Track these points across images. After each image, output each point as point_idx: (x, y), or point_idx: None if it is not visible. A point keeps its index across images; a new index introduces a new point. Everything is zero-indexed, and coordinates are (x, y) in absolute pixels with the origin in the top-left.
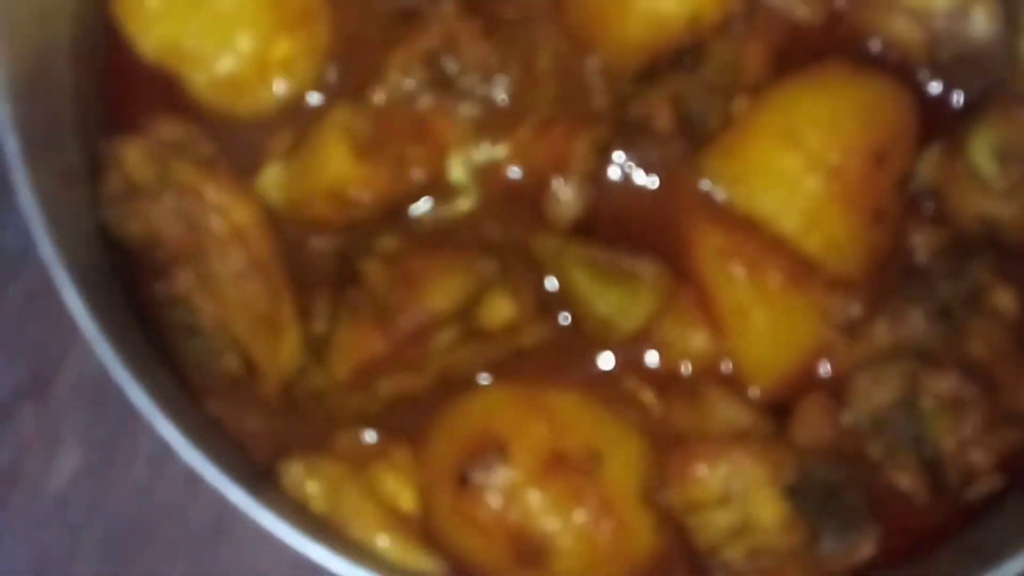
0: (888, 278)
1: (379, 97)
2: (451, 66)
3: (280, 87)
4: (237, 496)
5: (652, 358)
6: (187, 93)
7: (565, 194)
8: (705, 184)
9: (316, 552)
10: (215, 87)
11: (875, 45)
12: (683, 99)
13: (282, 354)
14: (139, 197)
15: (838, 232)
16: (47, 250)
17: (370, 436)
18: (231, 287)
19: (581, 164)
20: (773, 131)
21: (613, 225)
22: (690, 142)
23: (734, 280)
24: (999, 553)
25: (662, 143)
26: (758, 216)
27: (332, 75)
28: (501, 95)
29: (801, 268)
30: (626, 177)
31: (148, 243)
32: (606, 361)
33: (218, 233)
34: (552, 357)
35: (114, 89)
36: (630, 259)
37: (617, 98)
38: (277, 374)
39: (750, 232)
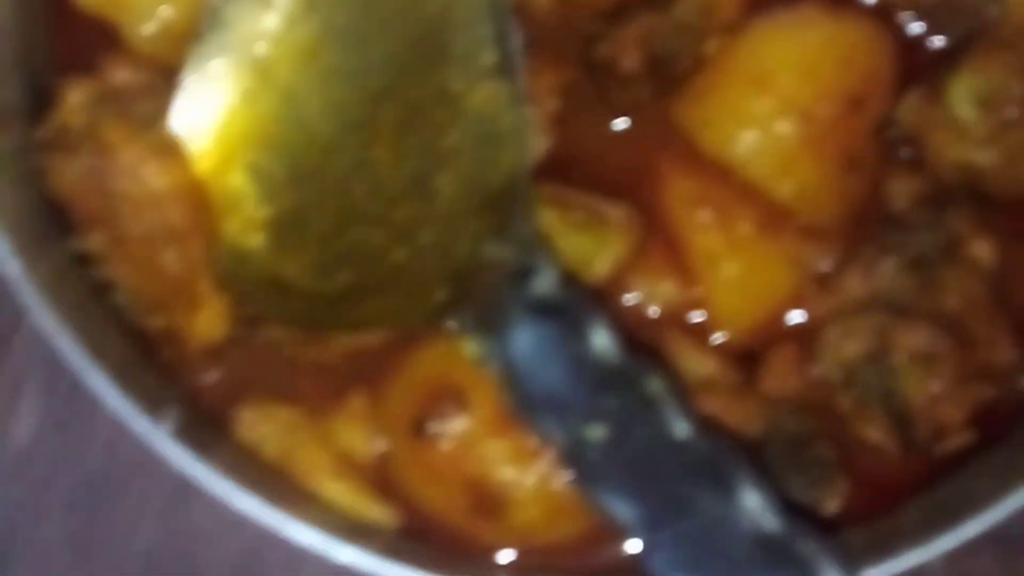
0: (864, 228)
1: None
2: None
3: None
4: (172, 450)
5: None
6: (127, 44)
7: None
8: (675, 129)
9: (250, 504)
10: (154, 38)
11: None
12: (652, 40)
13: (200, 326)
14: (61, 149)
15: (811, 179)
16: None
17: (329, 384)
18: (143, 253)
19: (545, 106)
20: (745, 74)
21: (584, 170)
22: (659, 85)
23: (704, 227)
24: (965, 509)
25: (630, 86)
26: (728, 162)
27: None
28: None
29: (773, 216)
30: (596, 120)
31: (63, 200)
32: None
33: (131, 198)
34: None
35: (64, 30)
36: (599, 203)
37: (584, 38)
38: (197, 342)
39: (721, 179)
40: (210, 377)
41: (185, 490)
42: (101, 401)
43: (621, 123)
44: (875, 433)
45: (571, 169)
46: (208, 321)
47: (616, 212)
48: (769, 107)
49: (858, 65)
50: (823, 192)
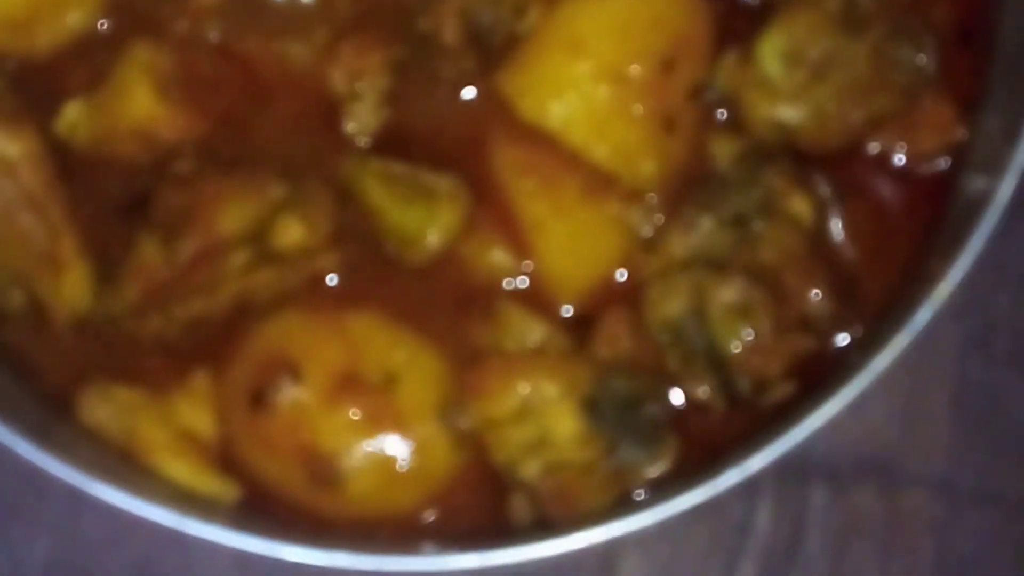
0: (688, 189)
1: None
2: None
3: (61, 24)
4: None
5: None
6: None
7: (360, 112)
8: (502, 100)
9: (96, 488)
10: None
11: None
12: (471, 12)
13: (66, 290)
14: None
15: (627, 141)
16: None
17: (169, 362)
18: (2, 223)
19: (377, 83)
20: (560, 41)
21: (420, 145)
22: (483, 57)
23: (530, 195)
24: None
25: (454, 59)
26: (548, 129)
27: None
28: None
29: (597, 181)
30: (426, 94)
31: None
32: (410, 280)
33: None
34: (355, 281)
35: None
36: (428, 175)
37: (407, 12)
38: (64, 310)
39: (547, 147)
40: (63, 358)
41: (76, 501)
42: None
43: (451, 97)
44: (701, 389)
45: (408, 145)
46: (73, 285)
47: (444, 183)
48: (583, 72)
49: (669, 26)
50: (640, 154)
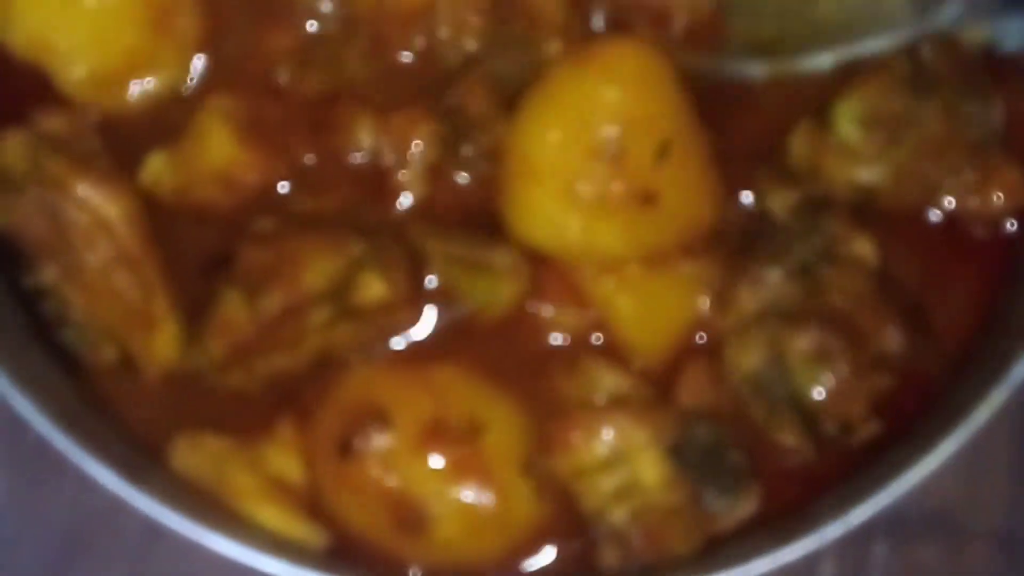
0: (746, 243)
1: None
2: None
3: (150, 81)
4: (110, 481)
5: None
6: (57, 89)
7: (409, 180)
8: None
9: (194, 531)
10: (82, 84)
11: None
12: (494, 76)
13: (157, 347)
14: (5, 190)
15: (617, 231)
16: None
17: (253, 411)
18: (99, 281)
19: (423, 155)
20: (516, 170)
21: (468, 209)
22: (509, 113)
23: (593, 277)
24: (871, 490)
25: (486, 127)
26: (545, 248)
27: (205, 63)
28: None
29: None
30: (473, 162)
31: (13, 236)
32: (487, 338)
33: (83, 227)
34: (432, 335)
35: None
36: (486, 251)
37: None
38: (154, 364)
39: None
40: (153, 408)
41: (152, 536)
42: (65, 456)
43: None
44: (789, 437)
45: (459, 212)
46: (165, 342)
47: (503, 259)
48: (545, 193)
49: (606, 113)
50: (636, 233)
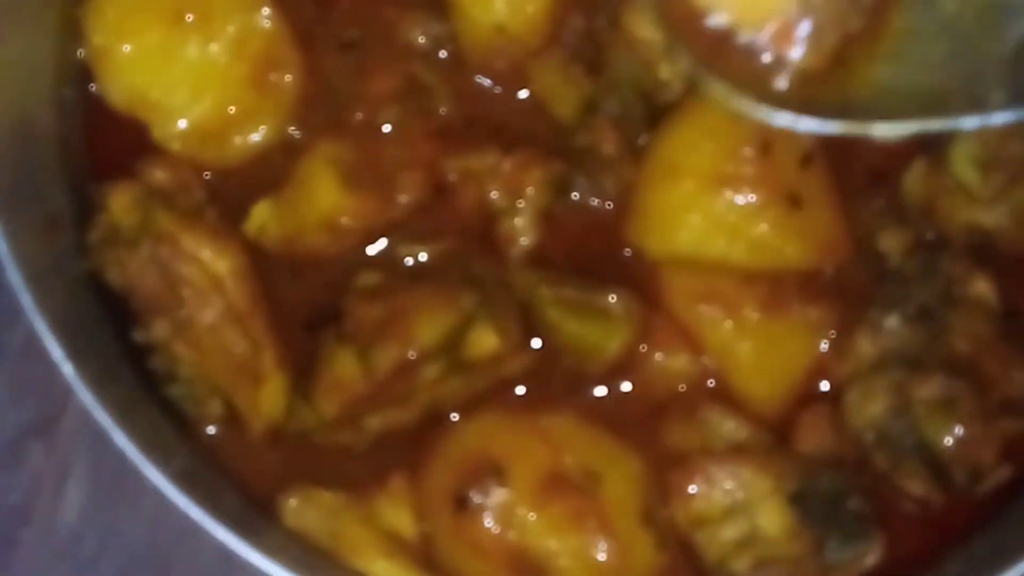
0: (864, 283)
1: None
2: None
3: (251, 135)
4: (224, 536)
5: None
6: (158, 144)
7: (518, 226)
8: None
9: None
10: (183, 137)
11: None
12: (622, 117)
13: (264, 403)
14: (117, 245)
15: (759, 232)
16: (25, 298)
17: (363, 466)
18: (208, 336)
19: (536, 199)
20: (657, 173)
21: (577, 253)
22: (634, 158)
23: (711, 322)
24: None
25: (614, 167)
26: (682, 256)
27: (308, 112)
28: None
29: (775, 293)
30: (583, 206)
31: (125, 291)
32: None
33: (193, 283)
34: (539, 385)
35: (100, 135)
36: (597, 295)
37: (563, 129)
38: (261, 421)
39: (715, 269)
40: (260, 463)
41: (228, 562)
42: (144, 477)
43: (609, 206)
44: (916, 485)
45: (566, 253)
46: (271, 397)
47: (616, 303)
48: (686, 190)
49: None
50: (779, 239)
